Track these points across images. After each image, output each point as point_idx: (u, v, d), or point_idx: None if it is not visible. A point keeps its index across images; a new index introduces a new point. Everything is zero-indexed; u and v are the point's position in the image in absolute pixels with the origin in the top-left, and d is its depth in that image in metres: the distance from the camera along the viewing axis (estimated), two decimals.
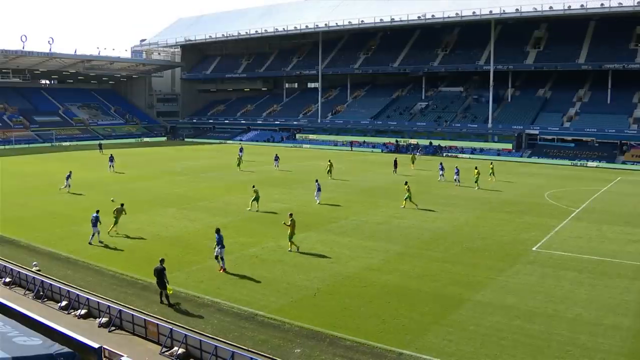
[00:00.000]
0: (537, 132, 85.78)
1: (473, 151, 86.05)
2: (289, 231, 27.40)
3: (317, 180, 42.15)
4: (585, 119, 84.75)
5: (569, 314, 19.73)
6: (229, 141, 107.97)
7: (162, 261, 20.82)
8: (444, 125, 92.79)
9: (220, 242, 24.03)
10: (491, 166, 56.62)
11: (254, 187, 38.19)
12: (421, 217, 36.26)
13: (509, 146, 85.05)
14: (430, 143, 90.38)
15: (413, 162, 65.03)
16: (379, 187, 49.43)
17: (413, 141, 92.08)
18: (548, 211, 39.10)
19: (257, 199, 36.94)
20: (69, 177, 44.87)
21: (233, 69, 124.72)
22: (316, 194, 40.50)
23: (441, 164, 55.38)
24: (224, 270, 24.01)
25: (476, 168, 50.75)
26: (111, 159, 58.03)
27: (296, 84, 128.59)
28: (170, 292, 20.45)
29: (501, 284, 22.79)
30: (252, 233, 30.91)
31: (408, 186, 40.40)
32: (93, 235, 28.57)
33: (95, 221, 28.35)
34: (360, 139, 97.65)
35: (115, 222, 30.55)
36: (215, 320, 19.06)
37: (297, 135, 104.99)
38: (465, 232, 32.23)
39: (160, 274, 20.45)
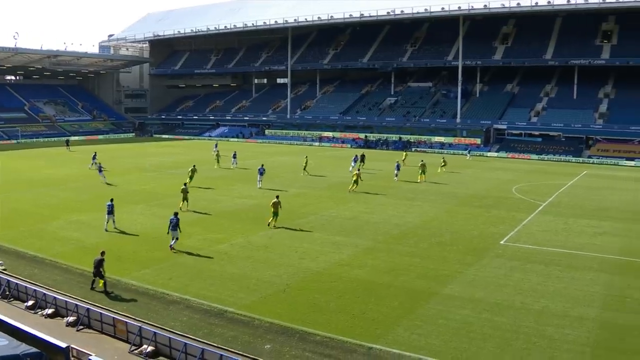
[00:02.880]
0: (505, 127, 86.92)
1: (442, 146, 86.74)
2: (273, 210, 30.75)
3: (262, 165, 45.99)
4: (552, 114, 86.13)
5: (536, 306, 20.00)
6: (198, 137, 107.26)
7: (102, 253, 21.71)
8: (412, 121, 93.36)
9: (175, 225, 26.23)
10: (442, 163, 58.47)
11: (185, 185, 37.42)
12: (390, 211, 36.43)
13: (477, 141, 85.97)
14: (400, 138, 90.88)
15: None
16: (348, 182, 49.50)
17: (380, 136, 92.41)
18: (516, 205, 39.62)
19: (185, 198, 35.85)
20: (94, 157, 52.80)
21: (202, 64, 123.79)
22: (259, 179, 44.70)
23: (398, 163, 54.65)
24: (172, 248, 26.23)
25: (443, 160, 51.24)
26: (94, 157, 56.81)
27: (265, 80, 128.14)
28: (101, 284, 21.09)
29: (470, 278, 23.01)
30: (221, 229, 30.73)
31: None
32: (107, 222, 30.30)
33: (111, 209, 30.06)
34: (330, 134, 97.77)
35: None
36: (184, 317, 18.90)
37: (267, 131, 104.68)
38: (434, 226, 32.48)
39: (98, 264, 21.19)
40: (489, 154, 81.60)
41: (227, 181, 48.67)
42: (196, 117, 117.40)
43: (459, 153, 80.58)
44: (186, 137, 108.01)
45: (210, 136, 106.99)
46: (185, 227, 29.85)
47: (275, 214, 31.03)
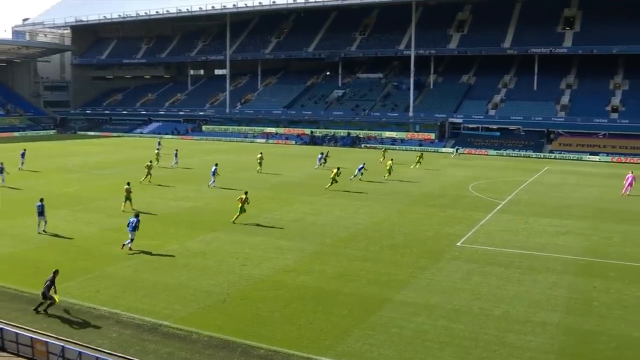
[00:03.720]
0: (460, 120, 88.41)
1: (394, 142, 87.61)
2: (240, 205, 32.64)
3: (216, 165, 47.17)
4: (511, 107, 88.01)
5: (496, 312, 20.33)
6: (128, 134, 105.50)
7: (55, 272, 20.53)
8: (362, 115, 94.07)
9: (135, 227, 27.05)
10: (418, 158, 60.08)
11: (128, 184, 37.26)
12: (338, 212, 36.56)
13: (431, 136, 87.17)
14: (348, 134, 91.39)
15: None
16: (291, 181, 49.57)
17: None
18: (472, 204, 40.32)
19: (129, 198, 36.22)
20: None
21: (131, 53, 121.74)
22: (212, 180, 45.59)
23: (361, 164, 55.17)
24: (123, 247, 26.97)
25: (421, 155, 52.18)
26: (22, 154, 55.30)
27: (202, 71, 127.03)
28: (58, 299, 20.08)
29: (425, 283, 23.24)
30: (155, 235, 30.24)
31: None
32: (39, 224, 30.31)
33: (41, 210, 30.07)
34: (273, 130, 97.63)
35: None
36: (114, 333, 18.48)
37: (204, 127, 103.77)
38: (386, 228, 32.74)
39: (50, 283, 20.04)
40: (443, 149, 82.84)
41: (165, 181, 48.01)
42: (125, 112, 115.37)
43: (411, 149, 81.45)
44: (114, 134, 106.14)
45: (142, 133, 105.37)
46: (113, 233, 29.27)
47: (242, 209, 32.87)
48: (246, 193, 33.74)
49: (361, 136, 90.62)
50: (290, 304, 20.90)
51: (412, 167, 59.29)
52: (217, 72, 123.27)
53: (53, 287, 20.04)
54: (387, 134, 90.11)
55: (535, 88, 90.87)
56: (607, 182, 52.88)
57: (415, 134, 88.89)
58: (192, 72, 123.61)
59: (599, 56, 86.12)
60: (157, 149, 63.09)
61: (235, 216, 33.04)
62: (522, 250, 28.21)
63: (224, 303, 20.98)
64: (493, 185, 49.43)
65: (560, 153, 77.41)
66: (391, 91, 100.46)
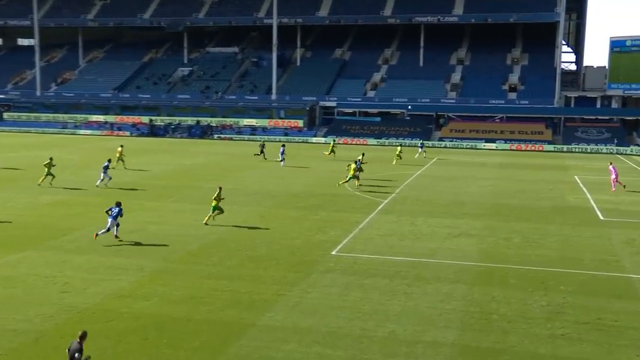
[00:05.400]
0: (334, 104, 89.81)
1: (253, 131, 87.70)
2: (215, 203, 34.80)
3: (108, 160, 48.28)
4: (394, 87, 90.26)
5: (380, 333, 20.71)
6: None
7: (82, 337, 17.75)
8: (214, 98, 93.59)
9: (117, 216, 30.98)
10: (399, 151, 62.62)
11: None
12: (187, 220, 36.23)
13: (299, 123, 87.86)
14: (198, 122, 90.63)
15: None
16: (125, 182, 48.57)
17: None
18: (350, 204, 41.08)
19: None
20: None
21: None
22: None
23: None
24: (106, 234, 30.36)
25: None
26: None
27: (0, 40, 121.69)
28: None
29: (294, 301, 23.35)
30: None
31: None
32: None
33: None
34: (101, 118, 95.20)
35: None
36: None
37: (6, 115, 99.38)
38: (246, 236, 32.71)
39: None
40: (314, 139, 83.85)
41: None
42: None
43: (275, 140, 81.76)
44: None
45: None
46: None
47: (216, 208, 34.98)
48: (220, 188, 35.69)
49: (214, 125, 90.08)
50: (126, 338, 20.36)
51: (393, 162, 61.86)
52: (22, 42, 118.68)
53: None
54: (246, 121, 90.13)
55: (421, 64, 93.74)
56: (505, 174, 55.45)
57: (279, 121, 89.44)
58: None
59: (494, 26, 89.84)
60: None
61: (210, 215, 35.03)
62: (409, 258, 28.97)
63: (37, 344, 20.10)
64: (374, 180, 50.52)
65: (452, 141, 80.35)
66: (249, 69, 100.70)
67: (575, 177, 56.86)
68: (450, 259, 28.93)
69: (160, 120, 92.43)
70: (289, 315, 22.11)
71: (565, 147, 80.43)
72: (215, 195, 35.06)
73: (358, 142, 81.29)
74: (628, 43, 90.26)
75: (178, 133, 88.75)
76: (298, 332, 20.67)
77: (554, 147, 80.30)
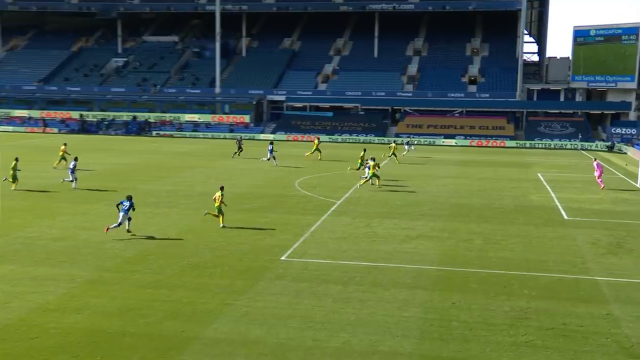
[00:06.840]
0: (282, 98, 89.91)
1: (196, 127, 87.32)
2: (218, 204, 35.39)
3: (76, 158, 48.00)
4: (347, 79, 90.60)
5: (333, 343, 20.68)
6: None
7: None
8: (152, 92, 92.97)
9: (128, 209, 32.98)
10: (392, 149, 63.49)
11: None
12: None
13: (246, 118, 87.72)
14: (134, 118, 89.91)
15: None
16: (54, 184, 47.93)
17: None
18: (300, 205, 41.12)
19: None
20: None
21: None
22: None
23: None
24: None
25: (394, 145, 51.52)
26: None
27: None
28: None
29: (241, 311, 23.22)
30: None
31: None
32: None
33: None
34: (24, 113, 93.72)
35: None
36: None
37: None
38: (188, 241, 32.54)
39: None
40: (262, 135, 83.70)
41: None
42: None
43: (220, 137, 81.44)
44: None
45: None
46: None
47: (218, 210, 35.46)
48: (222, 188, 36.10)
49: (152, 121, 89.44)
50: (54, 356, 20.00)
51: (388, 155, 64.06)
52: None
53: None
54: (187, 117, 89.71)
55: (375, 55, 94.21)
56: (466, 172, 55.96)
57: (224, 116, 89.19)
58: None
59: (452, 14, 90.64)
60: None
61: (221, 217, 35.42)
62: (363, 262, 29.07)
63: None
64: (325, 180, 50.69)
65: (409, 137, 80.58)
66: (190, 60, 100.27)
67: (539, 174, 57.69)
68: (408, 262, 29.09)
69: (92, 116, 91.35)
70: (236, 326, 21.98)
71: (527, 143, 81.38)
72: (218, 195, 35.54)
73: (309, 139, 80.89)
74: (592, 33, 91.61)
75: (112, 130, 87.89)
76: (246, 345, 20.55)
77: (516, 143, 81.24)
